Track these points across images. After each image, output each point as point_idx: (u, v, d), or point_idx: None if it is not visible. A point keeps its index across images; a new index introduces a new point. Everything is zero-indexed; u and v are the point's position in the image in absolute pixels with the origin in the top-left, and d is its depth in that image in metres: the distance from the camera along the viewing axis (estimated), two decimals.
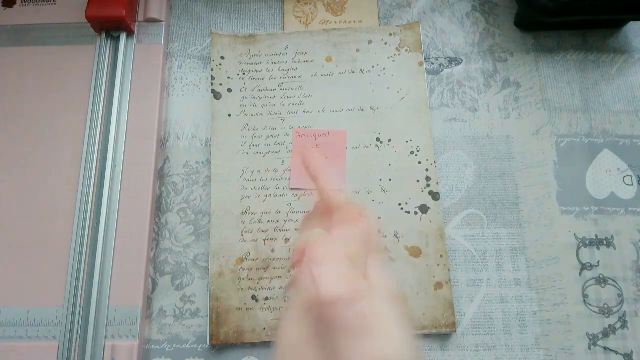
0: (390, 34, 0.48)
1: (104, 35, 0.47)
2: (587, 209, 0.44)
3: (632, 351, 0.41)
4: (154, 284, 0.43)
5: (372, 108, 0.46)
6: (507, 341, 0.41)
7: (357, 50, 0.48)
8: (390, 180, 0.44)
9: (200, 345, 0.41)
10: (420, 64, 0.47)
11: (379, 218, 0.43)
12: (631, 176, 0.45)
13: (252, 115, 0.46)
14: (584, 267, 0.43)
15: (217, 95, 0.46)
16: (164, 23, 0.48)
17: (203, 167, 0.46)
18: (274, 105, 0.46)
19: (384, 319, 0.19)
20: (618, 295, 0.42)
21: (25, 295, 0.41)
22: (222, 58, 0.47)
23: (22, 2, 0.49)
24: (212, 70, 0.47)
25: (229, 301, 0.41)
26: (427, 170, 0.44)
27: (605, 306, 0.42)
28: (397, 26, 0.49)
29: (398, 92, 0.47)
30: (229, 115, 0.46)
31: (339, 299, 0.18)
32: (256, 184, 0.44)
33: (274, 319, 0.41)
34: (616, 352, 0.41)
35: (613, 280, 0.43)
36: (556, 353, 0.41)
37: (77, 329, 0.39)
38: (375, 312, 0.19)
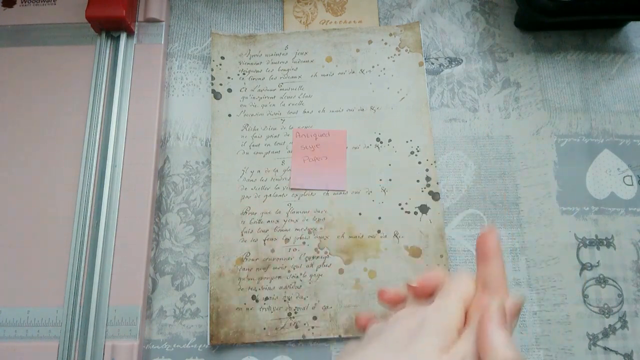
0: (390, 34, 0.48)
1: (104, 35, 0.47)
2: (587, 209, 0.44)
3: (632, 351, 0.41)
4: (154, 284, 0.43)
5: (372, 108, 0.46)
6: None
7: (357, 50, 0.48)
8: (390, 180, 0.44)
9: (200, 345, 0.41)
10: (420, 64, 0.47)
11: (379, 218, 0.43)
12: (631, 176, 0.45)
13: (252, 115, 0.46)
14: (584, 267, 0.43)
15: (217, 95, 0.46)
16: (164, 23, 0.48)
17: (203, 167, 0.46)
18: (274, 105, 0.47)
19: None
20: (618, 295, 0.42)
21: (25, 295, 0.41)
22: (222, 58, 0.47)
23: (22, 2, 0.49)
24: (212, 70, 0.47)
25: (229, 301, 0.41)
26: (427, 170, 0.44)
27: (605, 306, 0.42)
28: (397, 26, 0.49)
29: (398, 92, 0.47)
30: (229, 115, 0.46)
31: None
32: (256, 184, 0.44)
33: (274, 319, 0.41)
34: (616, 352, 0.41)
35: (613, 280, 0.43)
36: (556, 353, 0.41)
37: (77, 329, 0.39)
38: None
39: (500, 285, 0.25)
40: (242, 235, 0.43)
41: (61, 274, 0.41)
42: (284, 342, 0.41)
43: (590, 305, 0.42)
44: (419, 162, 0.45)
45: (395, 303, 0.28)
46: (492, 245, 0.26)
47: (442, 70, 0.49)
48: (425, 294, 0.26)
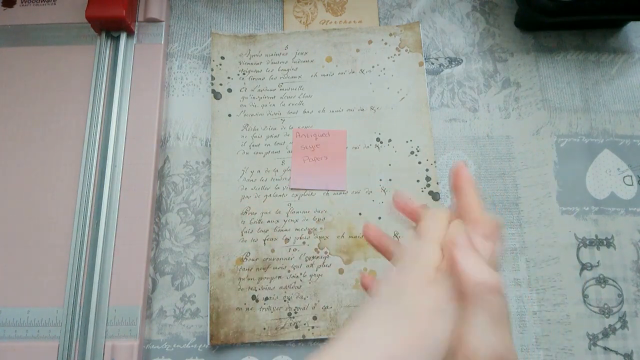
0: (390, 34, 0.48)
1: (104, 35, 0.47)
2: (587, 209, 0.44)
3: (632, 351, 0.41)
4: (154, 284, 0.43)
5: (372, 108, 0.46)
6: None
7: (357, 50, 0.48)
8: (390, 180, 0.44)
9: (200, 345, 0.41)
10: (420, 64, 0.47)
11: (379, 218, 0.43)
12: (631, 176, 0.45)
13: (252, 115, 0.46)
14: (583, 267, 0.43)
15: (217, 95, 0.46)
16: (164, 23, 0.48)
17: (203, 167, 0.46)
18: (274, 105, 0.47)
19: (508, 316, 0.23)
20: (618, 295, 0.42)
21: (25, 295, 0.41)
22: (222, 58, 0.47)
23: (22, 2, 0.49)
24: (212, 70, 0.47)
25: (229, 301, 0.41)
26: (427, 170, 0.44)
27: (605, 306, 0.42)
28: (397, 26, 0.49)
29: (398, 92, 0.47)
30: (229, 115, 0.46)
31: (494, 283, 0.22)
32: (256, 184, 0.44)
33: (274, 319, 0.41)
34: (616, 352, 0.41)
35: (613, 280, 0.43)
36: (556, 353, 0.41)
37: (77, 329, 0.39)
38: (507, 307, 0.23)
39: (475, 213, 0.26)
40: (242, 235, 0.43)
41: (61, 274, 0.41)
42: (284, 342, 0.41)
43: (590, 305, 0.42)
44: (419, 162, 0.45)
45: (378, 240, 0.31)
46: (464, 176, 0.27)
47: (442, 70, 0.49)
48: (409, 214, 0.29)
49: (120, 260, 0.41)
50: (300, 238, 0.43)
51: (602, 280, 0.43)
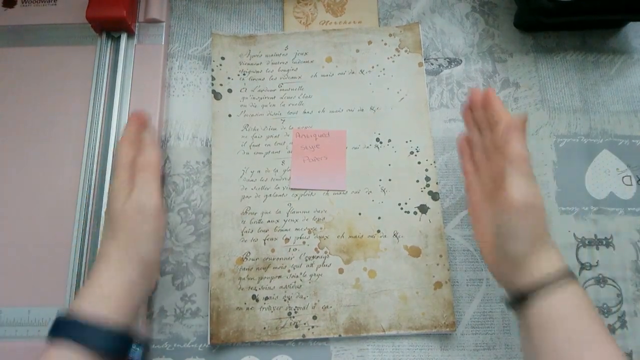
0: (390, 35, 0.49)
1: (104, 35, 0.47)
2: (586, 209, 0.45)
3: (631, 351, 0.41)
4: (155, 283, 0.43)
5: (371, 108, 0.46)
6: (507, 340, 0.41)
7: (357, 51, 0.48)
8: (390, 180, 0.44)
9: (201, 345, 0.41)
10: (420, 65, 0.48)
11: (379, 218, 0.43)
12: (630, 176, 0.46)
13: (252, 115, 0.46)
14: (583, 266, 0.43)
15: (217, 96, 0.47)
16: (164, 23, 0.48)
17: (203, 167, 0.46)
18: (274, 105, 0.47)
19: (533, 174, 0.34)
20: (617, 295, 0.42)
21: (26, 294, 0.41)
22: (223, 58, 0.48)
23: (22, 3, 0.49)
24: (213, 70, 0.47)
25: (229, 301, 0.41)
26: (426, 170, 0.45)
27: (605, 306, 0.42)
28: (396, 27, 0.49)
29: (398, 92, 0.47)
30: (229, 115, 0.46)
31: (525, 155, 0.34)
32: (256, 184, 0.44)
33: (274, 319, 0.41)
34: None
35: (612, 280, 0.43)
36: None
37: None
38: None
39: (506, 116, 0.35)
40: (242, 235, 0.43)
41: (62, 273, 0.41)
42: (284, 342, 0.41)
43: None
44: (419, 162, 0.45)
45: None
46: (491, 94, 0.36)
47: (442, 71, 0.49)
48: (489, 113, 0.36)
49: None
50: (300, 238, 0.43)
51: (601, 280, 0.43)
